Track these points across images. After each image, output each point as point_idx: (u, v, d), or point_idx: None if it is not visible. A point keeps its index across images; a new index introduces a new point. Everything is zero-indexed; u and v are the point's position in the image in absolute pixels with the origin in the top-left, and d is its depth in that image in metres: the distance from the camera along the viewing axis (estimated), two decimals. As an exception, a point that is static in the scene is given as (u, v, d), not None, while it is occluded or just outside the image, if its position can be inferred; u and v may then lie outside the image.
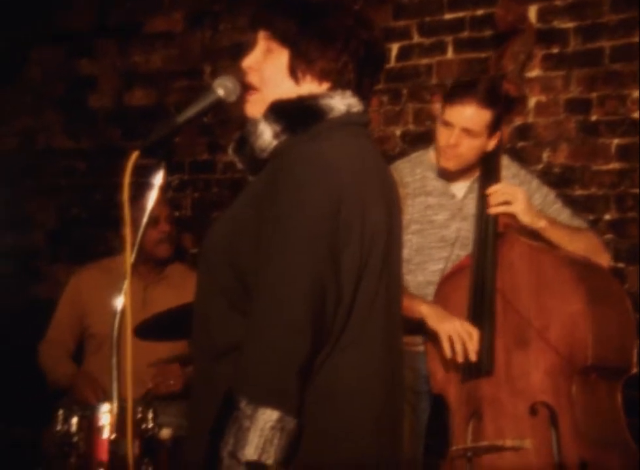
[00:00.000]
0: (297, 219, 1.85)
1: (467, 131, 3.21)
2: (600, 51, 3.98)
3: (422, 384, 3.34)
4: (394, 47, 4.50)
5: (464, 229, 3.34)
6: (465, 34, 4.31)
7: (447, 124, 3.24)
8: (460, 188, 3.38)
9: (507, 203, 3.14)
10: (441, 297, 3.24)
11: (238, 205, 2.00)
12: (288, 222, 1.85)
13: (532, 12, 4.05)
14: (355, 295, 1.91)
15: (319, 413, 1.88)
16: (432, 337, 3.17)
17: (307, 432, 1.86)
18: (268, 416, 1.79)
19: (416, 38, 4.45)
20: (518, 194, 3.14)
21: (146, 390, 3.72)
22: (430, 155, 3.41)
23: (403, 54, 4.48)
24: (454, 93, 3.27)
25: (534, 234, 3.17)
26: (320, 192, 1.86)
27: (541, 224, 3.16)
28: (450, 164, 3.29)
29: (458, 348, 3.07)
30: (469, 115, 3.20)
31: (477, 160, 3.30)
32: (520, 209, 3.13)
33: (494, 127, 3.24)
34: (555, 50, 4.08)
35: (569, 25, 4.05)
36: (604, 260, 3.27)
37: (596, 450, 2.92)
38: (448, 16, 4.36)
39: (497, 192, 3.16)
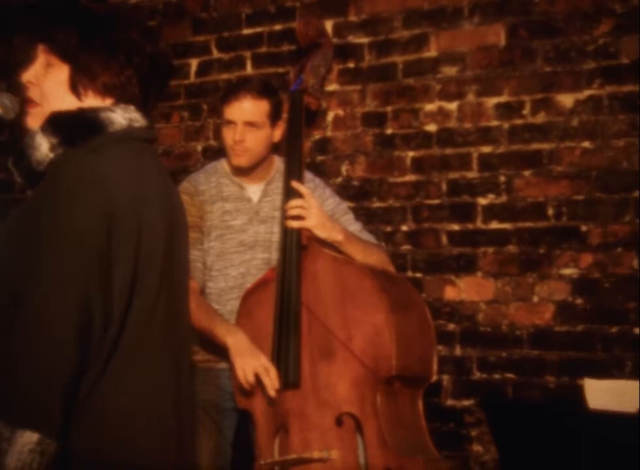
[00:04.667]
0: (64, 232, 1.78)
1: (249, 124, 3.32)
2: (393, 66, 4.07)
3: (226, 400, 3.33)
4: (194, 63, 4.49)
5: (262, 232, 3.39)
6: (263, 49, 4.34)
7: (229, 122, 3.34)
8: (255, 191, 3.44)
9: (301, 218, 3.19)
10: (245, 311, 3.23)
11: (10, 219, 1.91)
12: (54, 236, 1.78)
13: (328, 27, 4.10)
14: (127, 313, 1.84)
15: (95, 436, 1.81)
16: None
17: (83, 455, 1.79)
18: (27, 439, 1.71)
19: (216, 54, 4.46)
20: (312, 210, 3.19)
21: None
22: (222, 163, 3.48)
23: (203, 69, 4.47)
24: (229, 92, 3.40)
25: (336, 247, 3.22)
26: (90, 206, 1.80)
27: (338, 238, 3.23)
28: (242, 161, 3.36)
29: (250, 382, 3.09)
30: (248, 108, 3.31)
31: (267, 153, 3.39)
32: (314, 224, 3.18)
33: (275, 116, 3.36)
34: (351, 65, 4.15)
35: (364, 40, 4.13)
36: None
37: (401, 457, 2.96)
38: (246, 31, 4.38)
39: (293, 208, 3.20)
